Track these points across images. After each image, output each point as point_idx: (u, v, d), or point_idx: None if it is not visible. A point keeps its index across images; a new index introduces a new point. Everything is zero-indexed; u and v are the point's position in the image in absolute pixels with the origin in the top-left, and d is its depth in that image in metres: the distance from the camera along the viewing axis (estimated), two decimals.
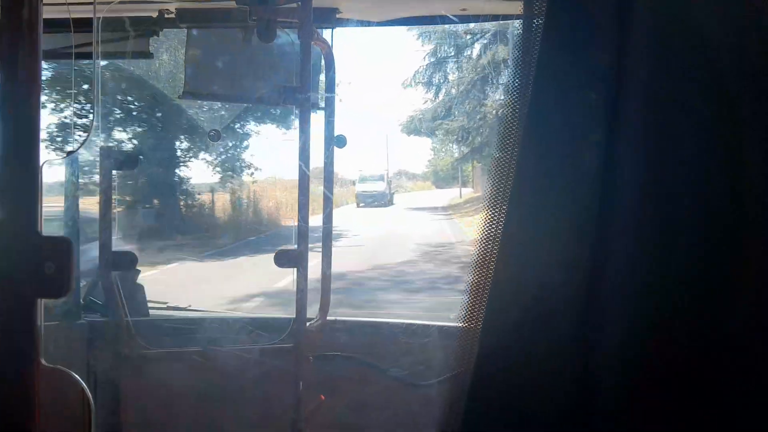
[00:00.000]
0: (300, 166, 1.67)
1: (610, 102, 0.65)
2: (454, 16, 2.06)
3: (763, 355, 0.60)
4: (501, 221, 0.69)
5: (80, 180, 2.02)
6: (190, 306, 2.55)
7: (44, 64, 0.91)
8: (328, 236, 2.07)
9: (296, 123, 1.79)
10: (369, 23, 2.15)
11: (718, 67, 0.61)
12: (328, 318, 2.05)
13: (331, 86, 2.04)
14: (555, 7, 0.68)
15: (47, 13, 0.82)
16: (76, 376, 0.84)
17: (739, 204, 0.60)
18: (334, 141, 2.02)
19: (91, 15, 1.76)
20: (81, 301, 2.13)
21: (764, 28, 0.59)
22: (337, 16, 2.00)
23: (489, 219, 0.71)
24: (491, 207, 0.71)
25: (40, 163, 0.78)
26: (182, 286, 8.20)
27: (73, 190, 1.96)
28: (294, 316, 1.78)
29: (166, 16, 1.96)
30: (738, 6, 0.61)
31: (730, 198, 0.60)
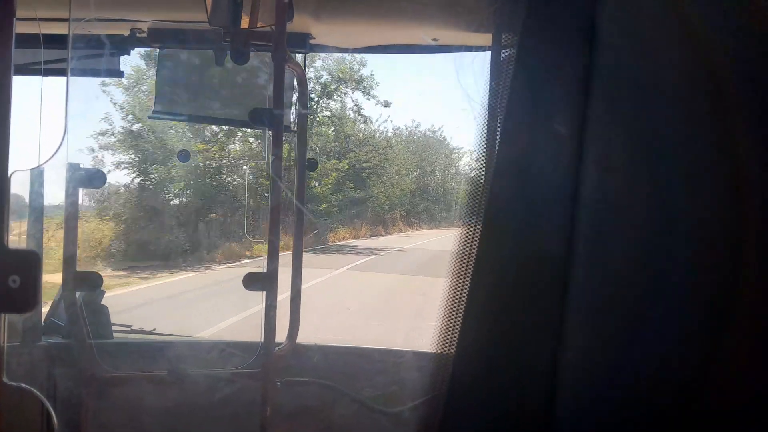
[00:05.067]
0: (273, 182, 1.67)
1: (579, 130, 0.67)
2: (426, 46, 2.10)
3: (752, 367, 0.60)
4: (475, 247, 0.70)
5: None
6: (155, 330, 2.49)
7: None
8: (298, 254, 2.03)
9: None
10: (342, 50, 2.18)
11: (691, 88, 0.63)
12: (297, 342, 2.02)
13: (303, 108, 2.06)
14: (524, 39, 0.70)
15: (17, 27, 0.81)
16: (39, 394, 0.81)
17: (737, 212, 0.60)
18: (305, 161, 2.03)
19: (61, 31, 1.74)
20: (42, 321, 2.07)
21: (755, 25, 0.61)
22: (311, 41, 2.02)
23: (463, 244, 0.72)
24: (466, 232, 0.72)
25: (9, 174, 0.77)
26: None
27: (38, 203, 1.92)
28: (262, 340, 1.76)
29: (138, 35, 1.96)
30: (721, 8, 0.62)
31: (724, 204, 0.61)
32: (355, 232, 22.98)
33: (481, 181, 0.74)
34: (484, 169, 0.75)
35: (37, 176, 1.93)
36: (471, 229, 0.72)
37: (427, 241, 22.18)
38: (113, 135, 14.27)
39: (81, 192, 1.78)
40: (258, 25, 1.79)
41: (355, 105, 24.46)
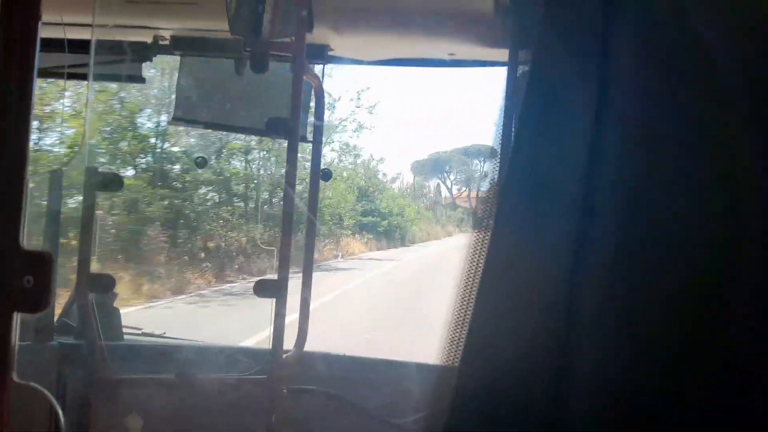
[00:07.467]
0: (286, 191, 1.68)
1: (593, 150, 0.67)
2: (443, 60, 2.12)
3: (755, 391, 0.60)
4: (482, 262, 0.70)
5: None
6: (164, 333, 2.51)
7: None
8: (309, 262, 2.04)
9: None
10: (360, 62, 2.21)
11: (711, 100, 0.62)
12: (304, 350, 2.02)
13: (319, 119, 2.08)
14: (540, 55, 0.70)
15: (42, 32, 0.83)
16: (48, 394, 0.82)
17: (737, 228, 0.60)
18: (320, 171, 2.05)
19: (84, 36, 1.78)
20: (54, 321, 2.09)
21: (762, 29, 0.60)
22: (329, 53, 2.05)
23: (471, 259, 0.72)
24: (473, 246, 0.72)
25: (27, 177, 0.78)
26: None
27: (56, 205, 1.96)
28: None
29: (160, 42, 1.99)
30: (736, 19, 0.62)
31: (725, 216, 0.61)
32: None
33: (492, 199, 0.74)
34: (494, 190, 0.75)
35: (55, 178, 1.96)
36: (480, 245, 0.72)
37: None
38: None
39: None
40: (278, 36, 1.81)
41: None
